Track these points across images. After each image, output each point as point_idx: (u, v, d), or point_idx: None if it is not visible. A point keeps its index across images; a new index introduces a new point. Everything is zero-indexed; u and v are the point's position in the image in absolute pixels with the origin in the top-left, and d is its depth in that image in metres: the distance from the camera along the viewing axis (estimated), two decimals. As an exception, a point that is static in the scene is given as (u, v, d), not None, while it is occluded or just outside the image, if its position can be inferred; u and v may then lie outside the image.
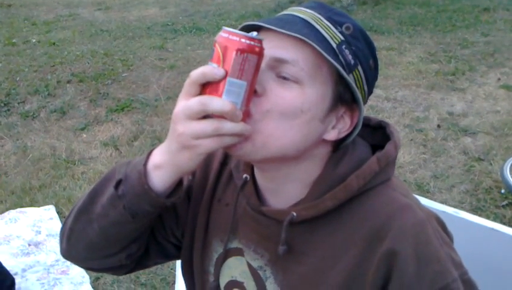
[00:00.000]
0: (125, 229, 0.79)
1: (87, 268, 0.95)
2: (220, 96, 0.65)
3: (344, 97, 0.75)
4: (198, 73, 0.66)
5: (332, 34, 0.72)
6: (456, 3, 7.88)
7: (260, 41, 0.67)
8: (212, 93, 0.66)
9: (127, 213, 0.75)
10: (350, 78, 0.72)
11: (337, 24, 0.73)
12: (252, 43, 0.66)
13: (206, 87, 0.66)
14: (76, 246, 0.85)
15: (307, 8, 0.75)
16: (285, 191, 0.80)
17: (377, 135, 0.85)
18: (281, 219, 0.77)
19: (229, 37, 0.65)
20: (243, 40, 0.65)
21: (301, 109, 0.71)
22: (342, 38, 0.72)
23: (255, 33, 0.68)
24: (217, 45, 0.66)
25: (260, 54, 0.67)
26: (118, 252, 0.84)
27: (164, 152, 0.72)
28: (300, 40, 0.69)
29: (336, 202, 0.75)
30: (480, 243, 1.32)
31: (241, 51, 0.65)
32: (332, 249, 0.76)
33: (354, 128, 0.78)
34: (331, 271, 0.76)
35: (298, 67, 0.70)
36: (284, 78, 0.71)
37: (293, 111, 0.71)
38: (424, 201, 1.39)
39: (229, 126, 0.66)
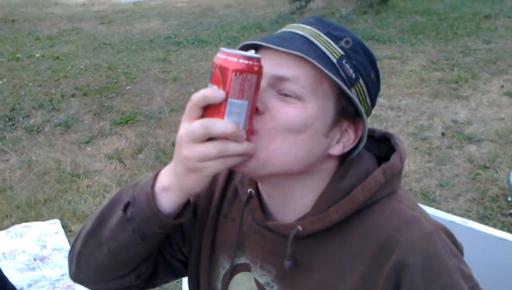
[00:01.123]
0: (135, 251, 0.79)
1: None
2: (222, 117, 0.66)
3: (347, 111, 0.75)
4: (199, 96, 0.66)
5: (332, 49, 0.72)
6: (457, 11, 7.91)
7: (258, 60, 0.67)
8: (214, 115, 0.66)
9: (137, 236, 0.75)
10: (352, 93, 0.72)
11: (336, 39, 0.73)
12: (251, 62, 0.66)
13: (208, 109, 0.66)
14: (86, 270, 0.85)
15: (306, 24, 0.76)
16: (290, 205, 0.80)
17: (382, 146, 0.85)
18: (286, 233, 0.76)
19: (227, 58, 0.65)
20: (241, 60, 0.65)
21: (305, 124, 0.71)
22: (342, 52, 0.73)
23: (252, 51, 0.68)
24: (215, 67, 0.66)
25: (259, 73, 0.67)
26: (128, 273, 0.84)
27: (171, 174, 0.72)
28: (300, 57, 0.69)
29: (341, 214, 0.74)
30: (489, 253, 1.30)
31: (240, 72, 0.65)
32: (339, 263, 0.75)
33: (359, 142, 0.78)
34: (339, 285, 0.75)
35: (299, 84, 0.71)
36: (286, 95, 0.71)
37: (297, 126, 0.71)
38: (431, 211, 1.38)
39: (233, 147, 0.67)
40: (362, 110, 0.74)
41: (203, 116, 0.67)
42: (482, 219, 2.88)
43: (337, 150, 0.76)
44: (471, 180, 3.30)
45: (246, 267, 0.85)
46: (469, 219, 2.89)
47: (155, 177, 0.75)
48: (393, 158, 0.78)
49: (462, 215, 2.95)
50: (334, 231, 0.76)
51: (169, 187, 0.72)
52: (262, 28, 7.67)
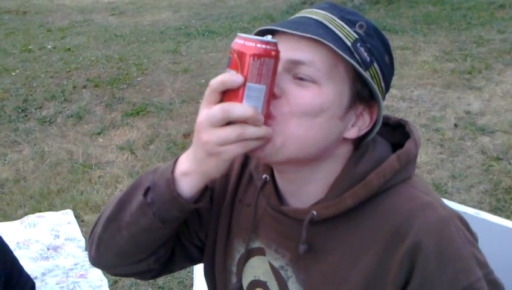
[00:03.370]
0: (154, 235, 0.81)
1: (116, 274, 0.97)
2: (241, 102, 0.67)
3: (362, 94, 0.75)
4: (217, 81, 0.67)
5: (347, 33, 0.73)
6: (471, 1, 7.79)
7: (275, 44, 0.68)
8: (233, 99, 0.67)
9: (157, 220, 0.77)
10: (367, 75, 0.73)
11: (350, 23, 0.74)
12: (268, 47, 0.67)
13: (226, 94, 0.67)
14: (106, 254, 0.86)
15: (319, 9, 0.76)
16: (305, 191, 0.81)
17: (396, 133, 0.85)
18: (301, 218, 0.77)
19: (245, 43, 0.66)
20: (259, 45, 0.66)
21: (321, 108, 0.72)
22: (356, 36, 0.73)
23: (269, 36, 0.69)
24: (233, 52, 0.67)
25: (276, 57, 0.68)
26: (147, 257, 0.86)
27: (191, 160, 0.73)
28: (315, 41, 0.70)
29: (356, 200, 0.75)
30: (502, 244, 1.29)
31: (257, 56, 0.66)
32: (353, 247, 0.76)
33: (374, 126, 0.79)
34: (353, 270, 0.75)
35: (315, 68, 0.71)
36: (301, 78, 0.72)
37: (313, 110, 0.72)
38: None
39: (252, 130, 0.68)
40: (378, 92, 0.75)
41: (222, 101, 0.68)
42: (494, 211, 2.85)
43: (352, 133, 0.77)
44: (483, 172, 3.27)
45: (260, 251, 0.87)
46: (482, 211, 2.87)
47: (175, 163, 0.76)
48: (408, 144, 0.79)
49: (474, 207, 2.93)
50: (348, 216, 0.76)
51: (189, 172, 0.74)
52: (272, 18, 7.63)
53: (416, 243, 0.71)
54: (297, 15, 0.78)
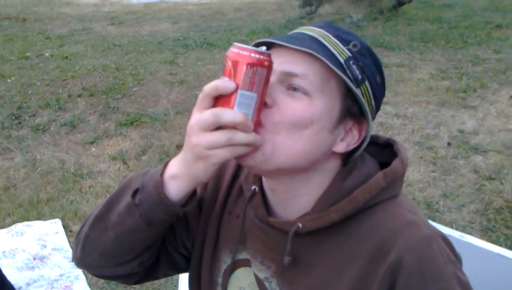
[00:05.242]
0: (140, 237, 0.82)
1: (100, 276, 0.96)
2: (232, 108, 0.69)
3: (352, 111, 0.77)
4: (211, 87, 0.69)
5: (341, 50, 0.75)
6: (468, 20, 7.86)
7: (269, 55, 0.70)
8: (224, 105, 0.69)
9: (143, 221, 0.78)
10: (358, 92, 0.75)
11: (344, 41, 0.76)
12: (262, 57, 0.69)
13: (219, 100, 0.69)
14: (91, 254, 0.87)
15: (316, 26, 0.79)
16: (293, 203, 0.82)
17: (385, 152, 0.87)
18: (287, 229, 0.78)
19: (240, 52, 0.69)
20: (253, 54, 0.68)
21: (311, 119, 0.74)
22: (350, 54, 0.75)
23: (264, 48, 0.71)
24: (228, 60, 0.70)
25: (269, 68, 0.70)
26: (132, 259, 0.86)
27: (180, 163, 0.75)
28: (309, 55, 0.72)
29: (341, 214, 0.76)
30: (486, 269, 1.28)
31: (251, 65, 0.68)
32: (337, 262, 0.77)
33: (362, 142, 0.80)
34: (336, 284, 0.76)
35: (307, 80, 0.73)
36: (294, 89, 0.74)
37: (303, 121, 0.73)
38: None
39: (241, 136, 0.69)
40: (367, 108, 0.76)
41: (214, 106, 0.70)
42: (485, 231, 2.84)
43: (340, 147, 0.78)
44: (475, 191, 3.26)
45: (246, 263, 0.87)
46: (472, 230, 2.84)
47: (164, 166, 0.78)
48: (395, 163, 0.80)
49: (465, 227, 2.92)
50: (333, 231, 0.77)
51: (178, 175, 0.75)
52: (271, 32, 7.67)
53: (398, 260, 0.71)
54: (294, 31, 0.81)
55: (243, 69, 0.68)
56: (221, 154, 0.69)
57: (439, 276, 0.71)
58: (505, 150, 3.75)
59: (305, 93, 0.73)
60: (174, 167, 0.76)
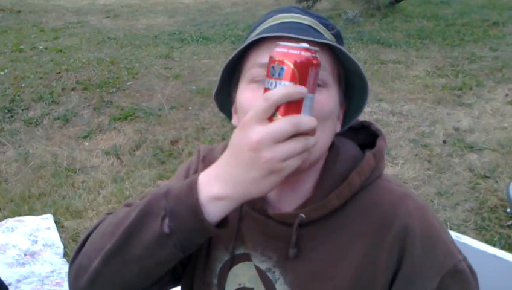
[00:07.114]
0: (171, 264, 0.75)
1: None
2: (299, 113, 0.65)
3: (345, 94, 0.82)
4: (279, 95, 0.63)
5: (332, 38, 0.79)
6: (465, 17, 7.84)
7: (316, 52, 0.67)
8: (291, 111, 0.64)
9: (178, 251, 0.71)
10: (363, 71, 0.77)
11: (328, 27, 0.79)
12: (315, 56, 0.66)
13: (283, 106, 0.64)
14: (105, 288, 0.78)
15: (297, 13, 0.80)
16: (291, 193, 0.82)
17: (360, 135, 0.90)
18: (290, 221, 0.78)
19: (301, 53, 0.65)
20: (306, 53, 0.65)
21: (332, 110, 0.77)
22: (335, 39, 0.79)
23: (306, 45, 0.66)
24: (286, 62, 0.65)
25: (320, 65, 0.68)
26: (154, 283, 0.79)
27: (233, 183, 0.67)
28: (321, 45, 0.72)
29: (341, 199, 0.78)
30: (482, 270, 1.26)
31: (314, 66, 0.66)
32: (341, 243, 0.78)
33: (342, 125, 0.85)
34: (342, 263, 0.77)
35: (326, 72, 0.75)
36: (317, 84, 0.72)
37: (328, 114, 0.76)
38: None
39: (312, 141, 0.65)
40: (369, 83, 0.79)
41: (275, 114, 0.64)
42: (479, 230, 2.83)
43: (338, 127, 0.82)
44: (470, 190, 3.25)
45: (245, 257, 0.86)
46: (466, 229, 2.83)
47: (196, 186, 0.69)
48: (379, 142, 0.85)
49: (459, 225, 2.91)
50: (333, 215, 0.79)
51: (225, 196, 0.68)
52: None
53: (404, 228, 0.75)
54: (283, 20, 0.79)
55: (308, 71, 0.64)
56: (294, 163, 0.64)
57: (440, 240, 0.76)
58: (500, 149, 3.74)
59: (324, 85, 0.75)
60: (218, 187, 0.68)
